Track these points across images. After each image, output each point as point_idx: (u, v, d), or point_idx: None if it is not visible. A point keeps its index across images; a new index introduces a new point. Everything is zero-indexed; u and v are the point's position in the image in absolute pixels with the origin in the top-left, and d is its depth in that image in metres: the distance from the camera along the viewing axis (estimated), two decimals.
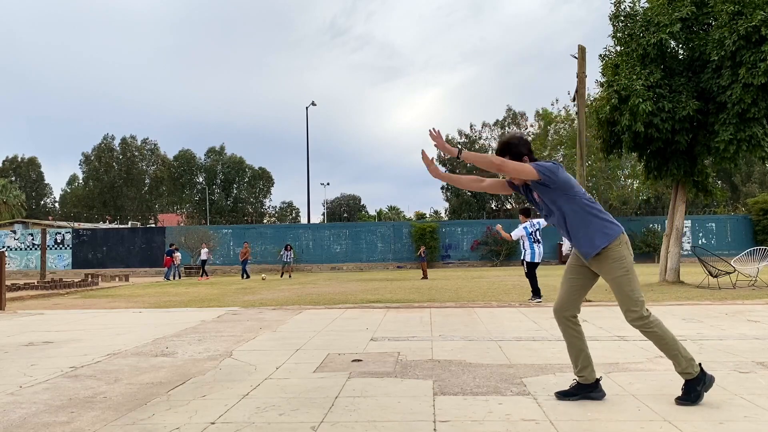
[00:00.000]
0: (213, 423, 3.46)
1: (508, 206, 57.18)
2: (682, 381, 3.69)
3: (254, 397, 4.04)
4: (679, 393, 3.67)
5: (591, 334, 6.43)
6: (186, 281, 24.57)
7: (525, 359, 5.16)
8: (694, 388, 3.60)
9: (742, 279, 13.24)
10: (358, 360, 5.28)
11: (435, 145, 3.90)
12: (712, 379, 3.64)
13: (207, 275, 27.31)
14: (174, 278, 26.52)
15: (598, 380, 3.82)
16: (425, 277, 21.15)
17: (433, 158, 3.85)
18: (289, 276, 25.48)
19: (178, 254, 27.29)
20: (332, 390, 4.19)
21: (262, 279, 23.93)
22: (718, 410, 3.49)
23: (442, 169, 6.69)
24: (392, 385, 4.29)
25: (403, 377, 4.57)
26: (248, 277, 25.50)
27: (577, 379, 3.84)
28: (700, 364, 3.65)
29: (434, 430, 3.25)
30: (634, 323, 3.66)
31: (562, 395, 3.81)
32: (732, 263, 13.10)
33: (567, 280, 3.91)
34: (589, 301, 10.22)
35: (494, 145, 57.25)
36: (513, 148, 3.76)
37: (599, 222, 3.68)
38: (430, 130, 3.80)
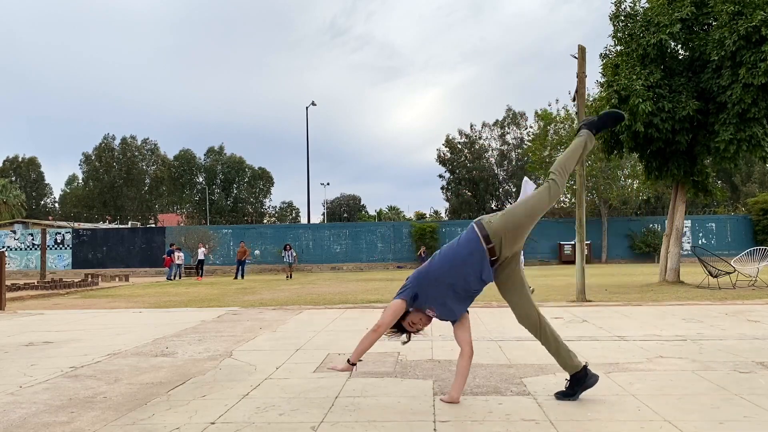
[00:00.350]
0: (213, 423, 3.46)
1: (508, 206, 57.13)
2: (683, 381, 3.70)
3: (254, 397, 4.04)
4: (684, 393, 3.67)
5: (591, 334, 6.44)
6: (186, 281, 24.58)
7: (525, 359, 5.16)
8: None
9: (742, 279, 13.24)
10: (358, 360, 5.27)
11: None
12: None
13: (200, 275, 27.22)
14: (175, 278, 26.48)
15: (585, 366, 3.83)
16: None
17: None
18: (289, 276, 25.36)
19: (180, 254, 27.16)
20: (332, 390, 4.19)
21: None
22: (718, 410, 3.49)
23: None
24: (392, 385, 4.29)
25: (403, 377, 4.57)
26: (243, 277, 25.36)
27: (567, 376, 3.85)
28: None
29: (434, 429, 3.25)
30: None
31: (562, 395, 3.82)
32: (732, 263, 13.10)
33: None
34: (590, 301, 10.22)
35: (494, 145, 57.21)
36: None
37: None
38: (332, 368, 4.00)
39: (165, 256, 28.09)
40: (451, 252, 3.75)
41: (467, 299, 3.77)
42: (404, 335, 3.94)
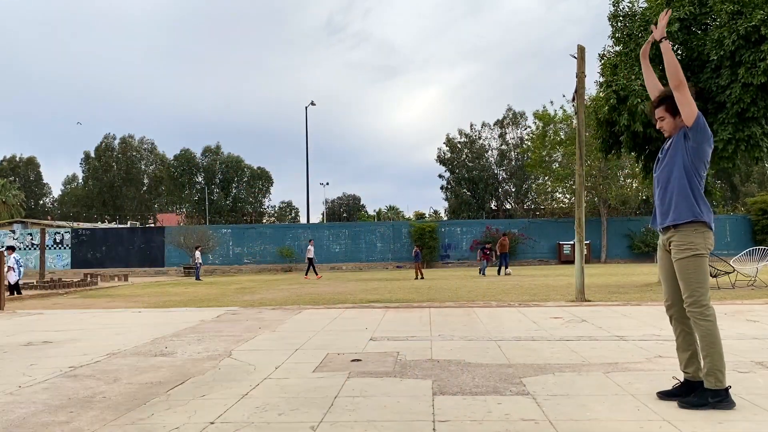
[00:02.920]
0: (212, 423, 3.46)
1: (508, 206, 57.21)
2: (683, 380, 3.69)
3: (253, 397, 4.04)
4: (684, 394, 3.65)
5: (590, 333, 6.44)
6: (186, 281, 24.57)
7: (524, 359, 5.16)
8: (707, 398, 3.50)
9: (741, 279, 13.25)
10: (358, 360, 5.28)
11: (655, 24, 3.90)
12: (731, 404, 3.50)
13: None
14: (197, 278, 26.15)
15: (701, 382, 3.64)
16: (421, 277, 20.99)
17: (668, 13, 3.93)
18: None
19: (198, 253, 26.79)
20: (331, 390, 4.19)
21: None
22: (718, 410, 3.48)
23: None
24: (391, 385, 4.29)
25: (402, 377, 4.57)
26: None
27: (682, 378, 3.75)
28: (728, 387, 3.54)
29: (433, 429, 3.25)
30: (687, 309, 3.63)
31: (665, 395, 3.71)
32: (731, 263, 13.11)
33: (663, 274, 3.86)
34: (589, 300, 10.22)
35: (494, 144, 57.23)
36: (690, 90, 3.76)
37: (695, 201, 3.64)
38: (665, 11, 3.90)
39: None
40: None
41: None
42: None
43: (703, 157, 3.68)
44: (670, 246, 3.72)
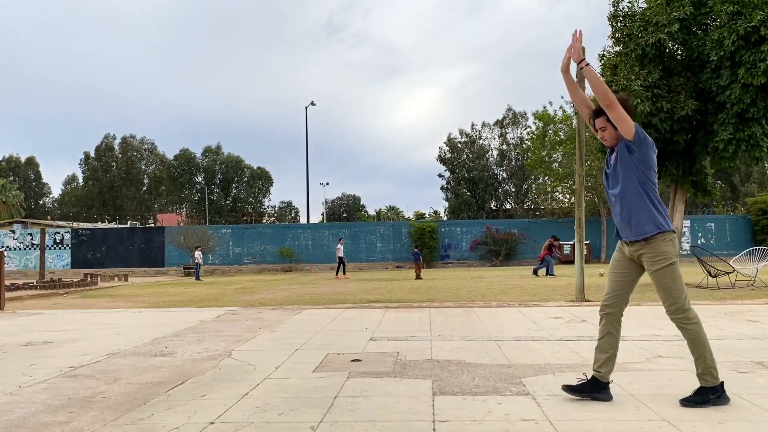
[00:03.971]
0: (212, 423, 3.46)
1: (508, 206, 57.20)
2: (683, 381, 3.70)
3: (253, 397, 4.04)
4: (683, 393, 3.66)
5: (590, 333, 6.44)
6: (186, 281, 24.57)
7: (524, 359, 5.16)
8: (707, 395, 3.57)
9: (741, 279, 13.25)
10: (358, 360, 5.28)
11: (570, 47, 3.82)
12: (727, 399, 3.59)
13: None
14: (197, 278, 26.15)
15: (608, 383, 3.80)
16: (418, 276, 20.95)
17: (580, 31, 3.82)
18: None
19: (198, 253, 26.74)
20: (331, 390, 4.19)
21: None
22: (717, 410, 3.49)
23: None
24: (391, 385, 4.29)
25: (402, 377, 4.57)
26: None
27: (592, 374, 3.80)
28: (722, 382, 3.62)
29: (433, 429, 3.25)
30: (671, 316, 3.67)
31: (570, 389, 3.79)
32: (731, 263, 13.11)
33: (614, 275, 3.88)
34: (589, 300, 10.22)
35: (495, 145, 57.21)
36: (624, 104, 3.73)
37: (655, 211, 3.66)
38: (575, 31, 3.82)
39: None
40: None
41: None
42: None
43: (651, 164, 3.70)
44: (639, 259, 3.75)
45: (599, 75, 3.49)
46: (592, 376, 3.79)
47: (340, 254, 25.05)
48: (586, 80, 3.82)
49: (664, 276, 3.63)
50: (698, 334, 3.63)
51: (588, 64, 3.76)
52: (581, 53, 3.80)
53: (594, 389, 3.75)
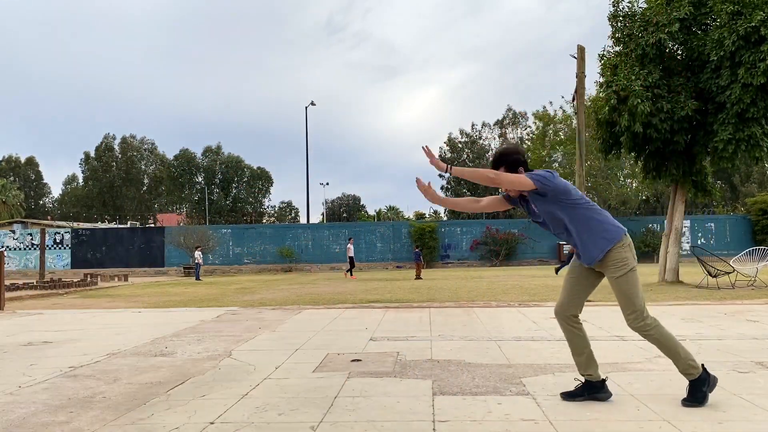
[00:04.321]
0: (212, 423, 3.46)
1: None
2: (682, 381, 3.70)
3: (253, 397, 4.04)
4: (683, 394, 3.67)
5: (590, 334, 6.42)
6: (186, 281, 24.57)
7: (524, 359, 5.16)
8: (699, 389, 3.58)
9: (741, 279, 13.25)
10: (358, 360, 5.28)
11: (432, 163, 3.79)
12: (715, 380, 3.63)
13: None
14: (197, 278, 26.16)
15: (604, 380, 3.81)
16: (418, 277, 20.98)
17: (429, 183, 3.84)
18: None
19: (198, 253, 26.74)
20: (331, 390, 4.19)
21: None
22: (718, 410, 3.49)
23: (441, 193, 6.68)
24: (391, 385, 4.29)
25: (402, 377, 4.57)
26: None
27: (582, 379, 3.83)
28: (702, 365, 3.64)
29: (433, 429, 3.25)
30: (632, 325, 3.67)
31: (568, 396, 3.80)
32: (731, 263, 13.11)
33: (569, 280, 3.93)
34: (589, 301, 10.23)
35: (495, 145, 57.35)
36: (508, 158, 3.73)
37: (601, 226, 3.67)
38: (423, 147, 3.78)
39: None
40: None
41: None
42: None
43: (565, 189, 3.65)
44: (598, 269, 3.76)
45: (468, 166, 3.50)
46: (585, 380, 3.80)
47: (351, 254, 24.98)
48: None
49: (626, 282, 3.63)
50: (663, 335, 3.62)
51: (452, 166, 3.73)
52: (440, 162, 3.74)
53: (591, 391, 3.76)
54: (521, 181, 3.59)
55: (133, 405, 3.90)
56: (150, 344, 6.43)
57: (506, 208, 4.02)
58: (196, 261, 26.48)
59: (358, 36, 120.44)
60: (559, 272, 16.32)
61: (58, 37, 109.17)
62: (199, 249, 27.28)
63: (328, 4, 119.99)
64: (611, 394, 3.77)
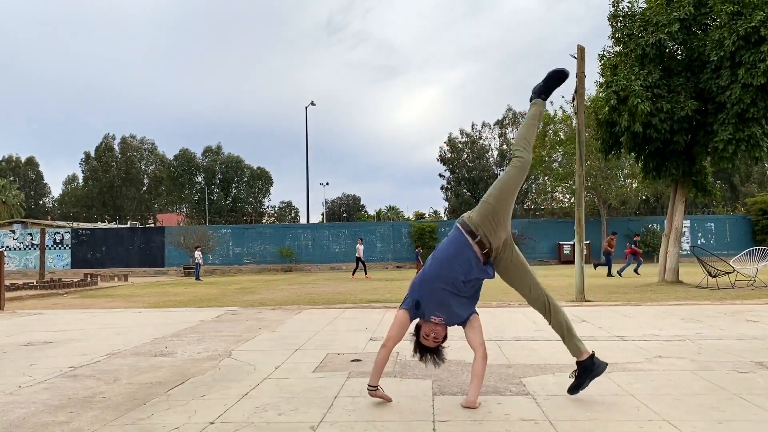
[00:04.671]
0: (212, 423, 3.46)
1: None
2: (683, 380, 3.70)
3: (253, 397, 4.04)
4: (684, 393, 3.67)
5: (590, 333, 6.44)
6: (186, 281, 24.56)
7: (524, 359, 5.16)
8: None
9: (741, 279, 13.25)
10: (358, 360, 5.28)
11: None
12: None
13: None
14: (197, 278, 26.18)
15: (592, 354, 3.84)
16: None
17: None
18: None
19: (198, 253, 26.74)
20: (331, 390, 4.19)
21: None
22: (717, 410, 3.49)
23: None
24: (391, 385, 4.29)
25: (402, 377, 4.57)
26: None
27: (575, 363, 3.87)
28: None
29: (433, 429, 3.25)
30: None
31: (573, 389, 3.83)
32: (731, 263, 13.11)
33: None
34: (589, 300, 10.23)
35: (495, 145, 57.26)
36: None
37: None
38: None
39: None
40: (439, 254, 3.73)
41: (469, 299, 3.73)
42: (429, 356, 3.79)
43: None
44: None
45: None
46: (577, 364, 3.86)
47: (359, 254, 24.90)
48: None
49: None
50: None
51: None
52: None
53: (586, 372, 3.80)
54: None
55: (133, 405, 3.90)
56: (150, 344, 6.43)
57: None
58: (196, 261, 26.47)
59: (358, 36, 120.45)
60: (620, 273, 15.95)
61: (58, 37, 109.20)
62: (199, 249, 27.27)
63: (329, 4, 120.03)
64: (606, 363, 3.86)
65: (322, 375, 4.70)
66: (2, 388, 4.50)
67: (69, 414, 3.73)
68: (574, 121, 18.20)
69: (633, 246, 19.97)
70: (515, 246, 3.86)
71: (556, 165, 38.05)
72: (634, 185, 36.49)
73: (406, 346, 5.88)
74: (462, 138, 57.98)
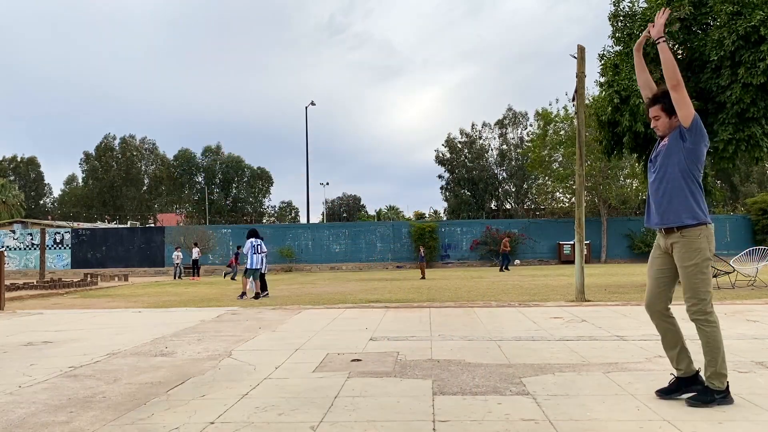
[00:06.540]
0: (212, 423, 3.46)
1: (508, 206, 57.20)
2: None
3: (253, 397, 4.04)
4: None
5: (590, 333, 6.44)
6: (186, 281, 24.57)
7: (524, 359, 5.16)
8: (712, 395, 3.55)
9: (741, 279, 13.25)
10: (358, 360, 5.28)
11: (651, 24, 3.80)
12: (731, 401, 3.58)
13: (195, 275, 27.12)
14: (178, 277, 26.40)
15: (697, 372, 3.72)
16: (423, 277, 21.18)
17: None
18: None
19: (179, 253, 26.95)
20: (331, 390, 4.19)
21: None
22: (718, 410, 3.49)
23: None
24: (391, 385, 4.29)
25: (402, 377, 4.57)
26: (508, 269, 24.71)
27: (675, 373, 3.78)
28: (727, 384, 3.60)
29: (434, 429, 3.25)
30: (693, 315, 3.64)
31: (664, 393, 3.74)
32: (731, 263, 13.11)
33: (653, 273, 3.86)
34: (589, 300, 10.22)
35: (495, 145, 57.31)
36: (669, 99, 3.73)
37: (694, 202, 3.62)
38: (661, 10, 3.84)
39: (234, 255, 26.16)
40: None
41: None
42: None
43: (700, 157, 3.66)
44: (672, 250, 3.71)
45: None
46: (677, 377, 3.75)
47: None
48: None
49: (696, 273, 3.60)
50: (715, 337, 3.58)
51: (666, 40, 3.75)
52: (661, 29, 3.77)
53: (686, 385, 3.69)
54: (689, 108, 3.59)
55: (133, 405, 3.90)
56: (150, 344, 6.43)
57: (653, 124, 3.84)
58: (193, 258, 26.63)
59: (359, 37, 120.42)
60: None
61: (58, 36, 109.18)
62: (197, 246, 27.43)
63: (330, 5, 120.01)
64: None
65: (322, 375, 4.70)
66: (2, 388, 4.50)
67: (69, 414, 3.73)
68: (575, 121, 18.22)
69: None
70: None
71: (557, 165, 38.05)
72: (634, 185, 36.48)
73: (407, 347, 5.89)
74: (462, 138, 57.99)
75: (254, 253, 13.38)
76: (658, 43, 3.74)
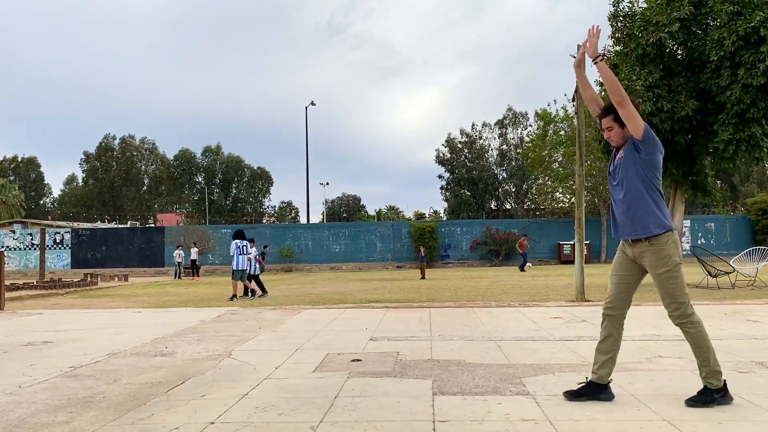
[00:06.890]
0: (212, 423, 3.46)
1: (508, 206, 57.20)
2: (683, 381, 3.70)
3: (253, 397, 4.04)
4: (683, 393, 3.66)
5: (590, 333, 6.44)
6: (185, 281, 24.57)
7: (524, 359, 5.16)
8: (711, 394, 3.57)
9: (741, 279, 13.25)
10: (358, 360, 5.28)
11: (585, 42, 3.89)
12: (730, 399, 3.60)
13: (194, 275, 27.14)
14: (178, 277, 26.42)
15: (608, 382, 3.79)
16: (423, 277, 21.19)
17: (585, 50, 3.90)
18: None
19: (180, 251, 26.96)
20: (331, 390, 4.19)
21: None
22: (718, 410, 3.49)
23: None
24: (391, 385, 4.29)
25: (402, 377, 4.57)
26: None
27: (589, 377, 3.81)
28: (725, 382, 3.62)
29: (433, 429, 3.25)
30: (676, 320, 3.65)
31: (573, 395, 3.78)
32: (731, 263, 13.11)
33: (616, 279, 3.87)
34: (589, 301, 10.22)
35: (495, 145, 57.32)
36: (634, 105, 3.74)
37: (658, 210, 3.66)
38: (593, 26, 3.92)
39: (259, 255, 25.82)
40: None
41: None
42: None
43: (657, 166, 3.69)
44: (642, 259, 3.73)
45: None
46: (590, 380, 3.80)
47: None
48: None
49: (670, 279, 3.62)
50: (702, 336, 3.62)
51: (603, 59, 3.79)
52: (597, 49, 3.82)
53: (595, 391, 3.75)
54: (638, 121, 3.60)
55: (133, 405, 3.90)
56: (150, 344, 6.43)
57: (607, 135, 3.87)
58: (191, 258, 26.65)
59: (359, 37, 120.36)
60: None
61: (58, 37, 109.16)
62: (195, 246, 27.44)
63: (330, 5, 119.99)
64: (614, 396, 3.77)
65: (322, 375, 4.70)
66: (2, 388, 4.50)
67: (69, 414, 3.73)
68: (575, 121, 18.22)
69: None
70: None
71: (557, 165, 38.05)
72: None
73: (407, 347, 5.89)
74: (462, 138, 57.99)
75: (239, 254, 13.14)
76: (596, 62, 3.77)
